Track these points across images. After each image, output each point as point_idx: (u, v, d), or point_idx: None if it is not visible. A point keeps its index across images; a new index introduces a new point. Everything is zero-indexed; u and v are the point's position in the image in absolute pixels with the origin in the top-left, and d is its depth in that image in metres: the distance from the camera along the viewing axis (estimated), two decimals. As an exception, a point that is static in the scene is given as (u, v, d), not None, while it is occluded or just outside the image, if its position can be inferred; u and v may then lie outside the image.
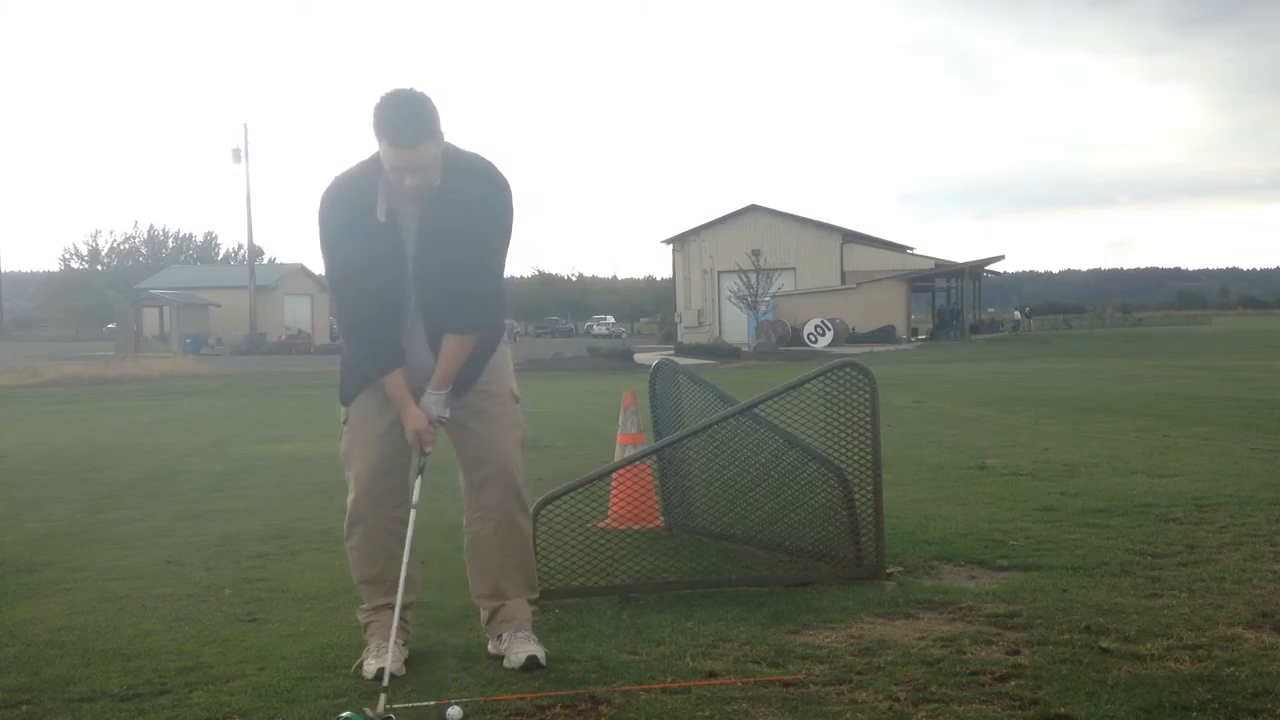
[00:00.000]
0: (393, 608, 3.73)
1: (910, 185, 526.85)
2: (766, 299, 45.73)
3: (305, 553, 5.83)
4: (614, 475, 5.69)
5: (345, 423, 3.91)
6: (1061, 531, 5.66)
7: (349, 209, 3.64)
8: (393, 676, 3.53)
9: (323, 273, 3.84)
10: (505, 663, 3.70)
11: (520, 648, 3.70)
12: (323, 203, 3.68)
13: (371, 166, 3.63)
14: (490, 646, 3.85)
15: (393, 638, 3.65)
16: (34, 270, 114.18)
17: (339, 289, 3.74)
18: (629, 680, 3.50)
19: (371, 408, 3.81)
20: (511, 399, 3.90)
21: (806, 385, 4.89)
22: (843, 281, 50.46)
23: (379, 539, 3.81)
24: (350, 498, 3.86)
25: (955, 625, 4.03)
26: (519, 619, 3.82)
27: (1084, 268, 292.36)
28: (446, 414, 3.75)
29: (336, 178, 3.70)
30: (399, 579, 3.70)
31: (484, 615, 3.90)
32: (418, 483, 3.79)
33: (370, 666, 3.61)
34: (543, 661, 3.67)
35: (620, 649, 3.86)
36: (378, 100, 3.52)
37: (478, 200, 3.65)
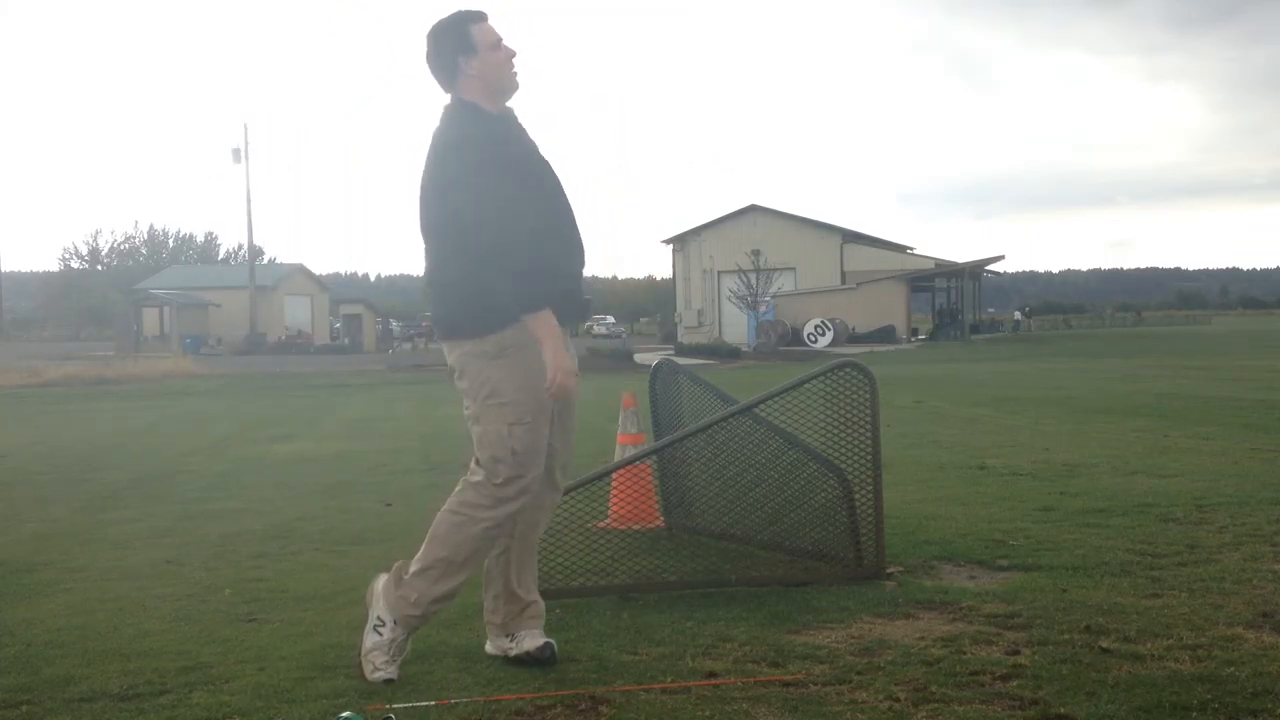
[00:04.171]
0: (451, 599, 3.70)
1: (910, 185, 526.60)
2: (766, 299, 45.74)
3: (305, 553, 5.83)
4: (614, 475, 5.68)
5: (529, 422, 3.60)
6: (1061, 531, 5.66)
7: (510, 141, 3.67)
8: (392, 679, 3.55)
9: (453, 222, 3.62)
10: (515, 651, 3.71)
11: (538, 636, 3.74)
12: (479, 135, 3.63)
13: (484, 113, 3.68)
14: (490, 646, 3.85)
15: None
16: (34, 270, 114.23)
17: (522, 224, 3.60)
18: (629, 680, 3.50)
19: (545, 401, 3.64)
20: None
21: (806, 385, 4.89)
22: (843, 281, 50.46)
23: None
24: (521, 498, 3.63)
25: (955, 625, 4.03)
26: (543, 617, 3.84)
27: (1084, 268, 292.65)
28: None
29: (475, 117, 3.66)
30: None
31: (508, 611, 3.79)
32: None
33: (384, 672, 3.56)
34: (557, 652, 3.70)
35: (620, 649, 3.86)
36: (436, 25, 3.70)
37: None
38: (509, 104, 3.80)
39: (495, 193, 3.56)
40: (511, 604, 3.80)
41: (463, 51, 3.67)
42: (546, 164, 3.78)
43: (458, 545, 3.61)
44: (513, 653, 3.73)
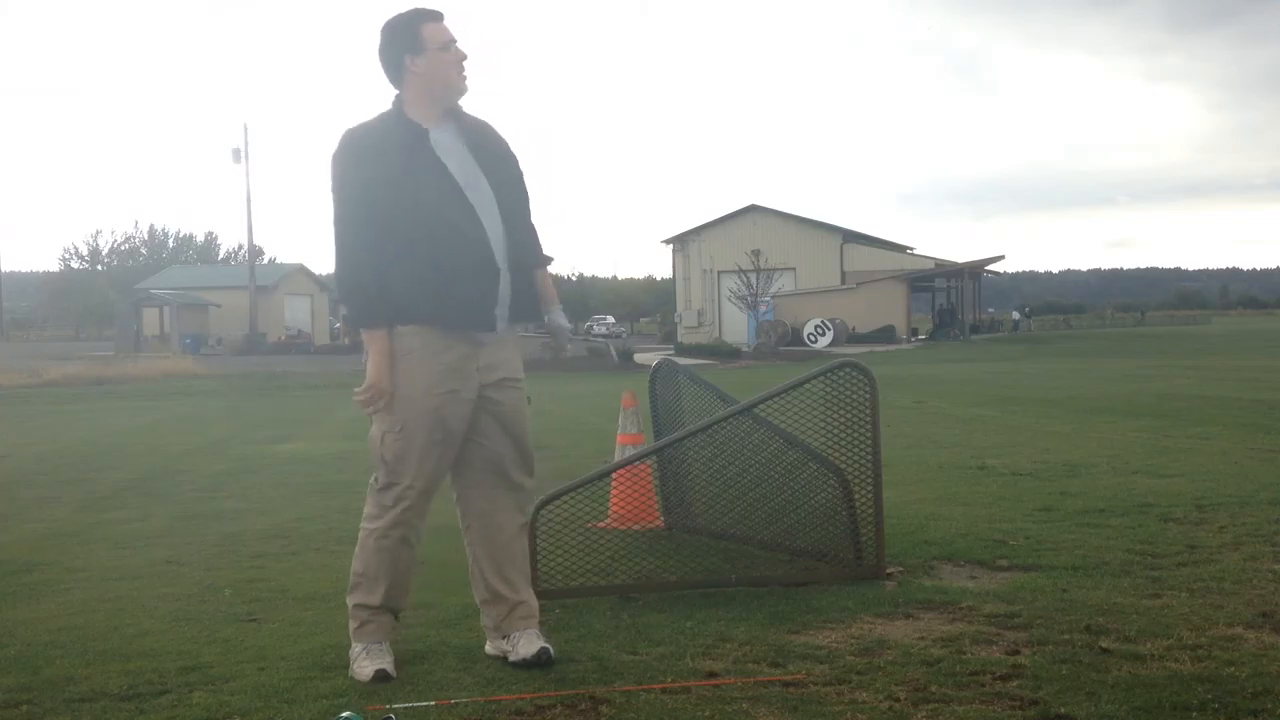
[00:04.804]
0: (395, 611, 3.77)
1: (910, 185, 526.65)
2: (766, 299, 45.71)
3: (305, 553, 5.83)
4: (614, 475, 5.68)
5: (399, 431, 3.64)
6: (1061, 531, 5.66)
7: (400, 150, 3.63)
8: (390, 677, 3.55)
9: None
10: (512, 656, 3.70)
11: (533, 641, 3.72)
12: (351, 148, 3.65)
13: (391, 116, 3.70)
14: (490, 647, 3.85)
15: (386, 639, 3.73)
16: (34, 270, 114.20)
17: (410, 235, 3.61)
18: (629, 680, 3.50)
19: (427, 412, 3.63)
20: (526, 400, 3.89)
21: (806, 385, 4.89)
22: (843, 281, 50.47)
23: (411, 540, 3.76)
24: (399, 506, 3.68)
25: (955, 625, 4.03)
26: (536, 615, 3.83)
27: (1084, 268, 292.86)
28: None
29: (359, 127, 3.69)
30: (411, 582, 3.80)
31: (497, 613, 3.80)
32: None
33: (367, 669, 3.59)
34: (553, 655, 3.69)
35: (620, 649, 3.86)
36: (390, 20, 3.69)
37: (502, 143, 3.86)
38: (477, 110, 3.82)
39: (355, 202, 3.62)
40: (498, 605, 3.80)
41: (410, 50, 3.65)
42: (441, 170, 3.63)
43: (363, 559, 3.76)
44: (512, 657, 3.72)
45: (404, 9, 3.73)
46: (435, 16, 3.70)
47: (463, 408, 3.67)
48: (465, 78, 3.73)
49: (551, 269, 4.17)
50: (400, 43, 3.67)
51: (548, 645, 3.72)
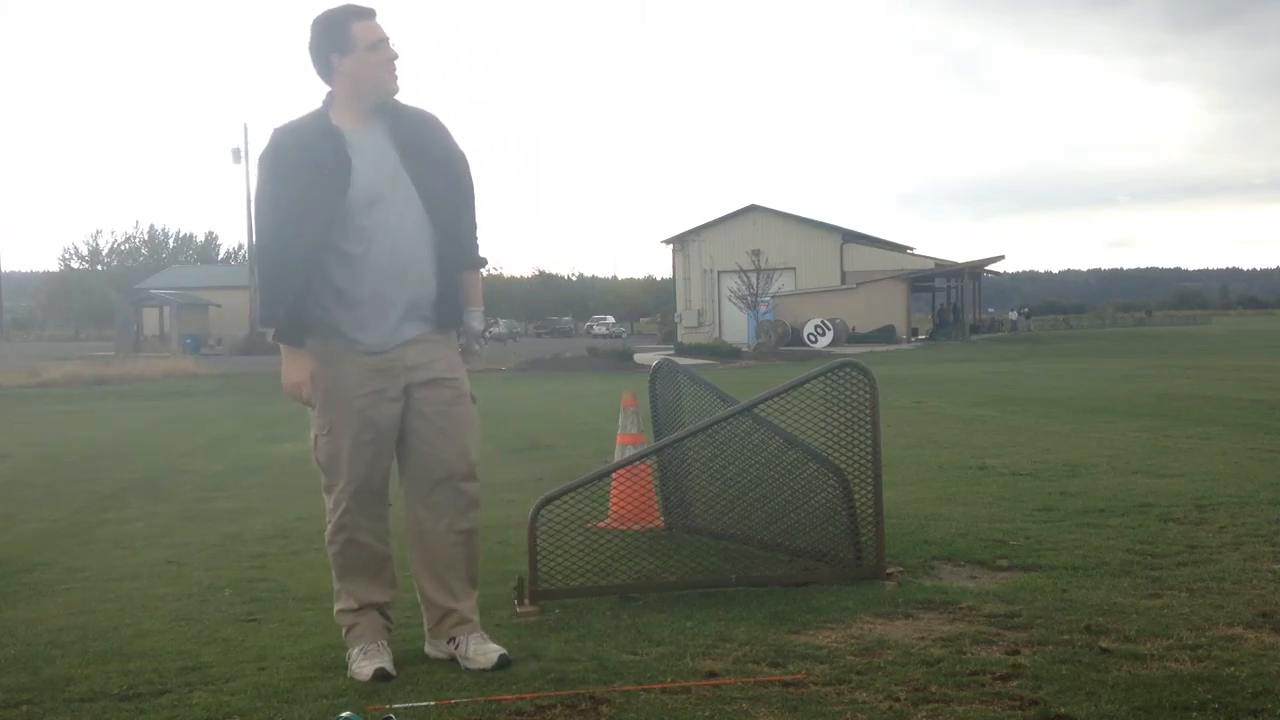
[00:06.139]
0: (378, 607, 3.76)
1: (910, 185, 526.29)
2: (766, 299, 45.71)
3: (305, 553, 5.83)
4: (614, 475, 5.68)
5: (327, 433, 3.68)
6: (1061, 531, 5.66)
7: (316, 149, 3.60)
8: (390, 676, 3.55)
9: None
10: (468, 664, 3.67)
11: (486, 647, 3.69)
12: (273, 149, 3.63)
13: (315, 117, 3.67)
14: (429, 648, 3.83)
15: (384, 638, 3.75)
16: (34, 270, 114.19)
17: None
18: (629, 680, 3.50)
19: (353, 413, 3.64)
20: (471, 399, 3.82)
21: (806, 385, 4.89)
22: (843, 281, 50.48)
23: (361, 541, 3.74)
24: (339, 509, 3.72)
25: (955, 625, 4.03)
26: (471, 621, 3.78)
27: (1084, 268, 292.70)
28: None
29: (285, 126, 3.67)
30: (388, 576, 3.80)
31: (431, 618, 3.80)
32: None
33: (366, 669, 3.59)
34: (510, 657, 3.67)
35: (620, 649, 3.86)
36: (319, 16, 3.63)
37: (442, 138, 3.77)
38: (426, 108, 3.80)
39: (270, 205, 3.64)
40: (431, 610, 3.80)
41: (337, 49, 3.59)
42: (348, 177, 3.56)
43: (332, 566, 3.80)
44: (467, 664, 3.68)
45: (336, 5, 3.64)
46: (366, 14, 3.61)
47: (390, 407, 3.66)
48: (396, 77, 3.66)
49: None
50: (328, 41, 3.60)
51: (503, 650, 3.68)
